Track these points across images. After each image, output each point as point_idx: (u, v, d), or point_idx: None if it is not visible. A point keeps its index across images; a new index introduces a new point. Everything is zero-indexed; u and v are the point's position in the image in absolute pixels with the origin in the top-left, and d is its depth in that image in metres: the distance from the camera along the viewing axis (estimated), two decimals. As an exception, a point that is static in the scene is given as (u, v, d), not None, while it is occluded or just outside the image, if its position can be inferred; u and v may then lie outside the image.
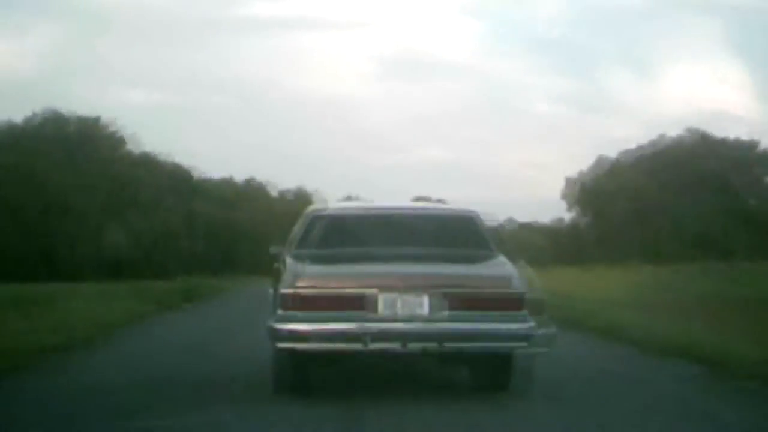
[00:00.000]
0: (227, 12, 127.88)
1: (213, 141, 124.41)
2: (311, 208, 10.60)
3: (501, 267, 9.24)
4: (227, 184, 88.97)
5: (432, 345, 8.71)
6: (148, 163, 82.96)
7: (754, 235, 72.39)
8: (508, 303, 8.80)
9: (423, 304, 8.71)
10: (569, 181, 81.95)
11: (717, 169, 74.51)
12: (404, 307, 8.70)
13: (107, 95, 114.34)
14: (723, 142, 78.46)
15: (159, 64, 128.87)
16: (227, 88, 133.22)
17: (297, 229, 10.16)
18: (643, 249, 68.60)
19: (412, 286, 8.74)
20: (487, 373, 9.41)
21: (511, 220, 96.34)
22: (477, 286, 8.97)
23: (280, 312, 8.73)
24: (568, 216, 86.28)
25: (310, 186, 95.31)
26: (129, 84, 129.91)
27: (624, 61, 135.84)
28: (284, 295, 8.72)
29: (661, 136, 78.06)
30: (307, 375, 9.19)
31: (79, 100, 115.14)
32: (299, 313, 8.62)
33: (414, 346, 8.70)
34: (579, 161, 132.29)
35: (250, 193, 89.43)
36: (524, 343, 8.88)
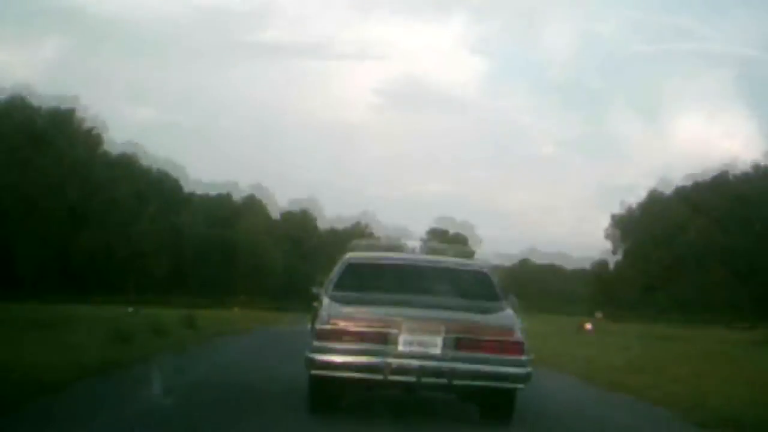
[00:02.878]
0: (239, 37, 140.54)
1: (210, 157, 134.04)
2: (348, 255, 14.37)
3: (506, 318, 12.91)
4: (224, 200, 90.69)
5: (442, 381, 12.26)
6: (127, 166, 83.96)
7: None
8: (510, 349, 12.41)
9: (437, 345, 12.30)
10: (615, 219, 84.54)
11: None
12: (420, 346, 12.31)
13: (111, 110, 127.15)
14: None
15: (167, 84, 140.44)
16: (233, 109, 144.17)
17: (334, 272, 13.96)
18: (707, 303, 70.51)
19: (428, 329, 12.33)
20: (493, 408, 12.98)
21: (525, 261, 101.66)
22: (484, 333, 12.55)
23: (315, 343, 12.38)
24: (612, 259, 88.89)
25: (313, 209, 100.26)
26: (133, 100, 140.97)
27: (630, 108, 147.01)
28: (319, 330, 12.34)
29: (723, 173, 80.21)
30: (338, 399, 12.78)
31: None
32: (331, 345, 12.22)
33: (427, 380, 12.27)
34: (585, 204, 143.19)
35: (250, 209, 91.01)
36: (522, 385, 12.42)
